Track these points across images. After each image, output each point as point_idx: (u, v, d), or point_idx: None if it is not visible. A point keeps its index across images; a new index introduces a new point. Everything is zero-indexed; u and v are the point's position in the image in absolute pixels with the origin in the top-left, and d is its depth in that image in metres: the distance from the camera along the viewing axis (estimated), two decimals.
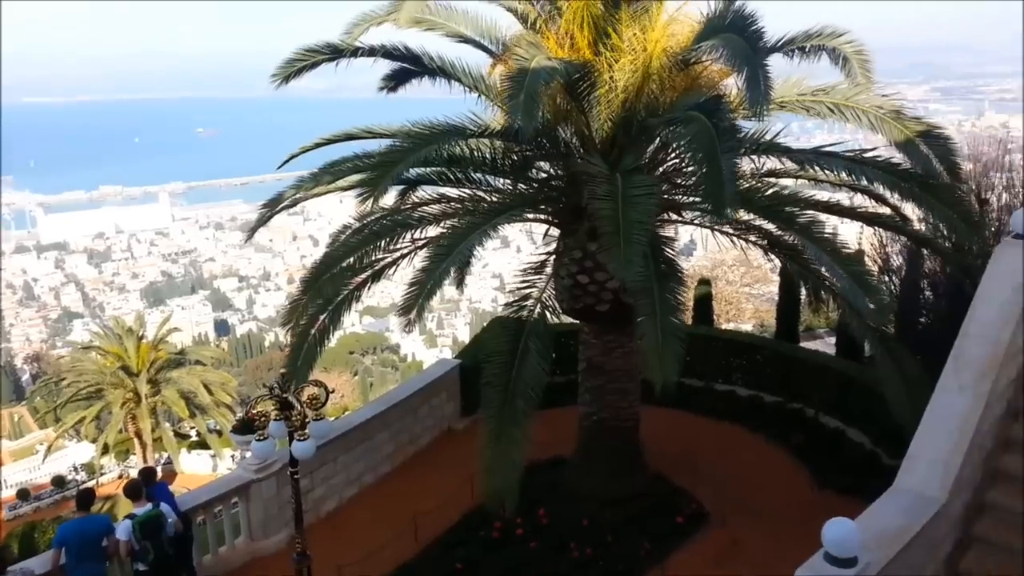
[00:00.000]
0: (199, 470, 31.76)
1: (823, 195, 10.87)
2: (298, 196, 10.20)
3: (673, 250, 9.36)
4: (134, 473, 26.19)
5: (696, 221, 10.74)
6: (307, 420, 7.75)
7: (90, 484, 28.34)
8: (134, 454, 31.52)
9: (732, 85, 9.66)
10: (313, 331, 9.66)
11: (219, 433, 32.21)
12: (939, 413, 6.79)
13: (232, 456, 31.02)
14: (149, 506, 8.11)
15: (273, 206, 10.43)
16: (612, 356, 10.55)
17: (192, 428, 34.30)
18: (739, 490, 10.97)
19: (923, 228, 12.67)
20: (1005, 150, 18.24)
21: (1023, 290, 7.35)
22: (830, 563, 5.16)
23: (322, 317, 9.66)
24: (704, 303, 17.84)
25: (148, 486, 8.54)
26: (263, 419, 7.78)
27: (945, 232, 12.39)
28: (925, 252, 14.82)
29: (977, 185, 16.04)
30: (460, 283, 13.09)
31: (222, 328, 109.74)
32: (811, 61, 10.24)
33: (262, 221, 10.71)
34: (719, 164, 7.02)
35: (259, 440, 7.87)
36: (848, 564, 5.12)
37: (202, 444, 33.10)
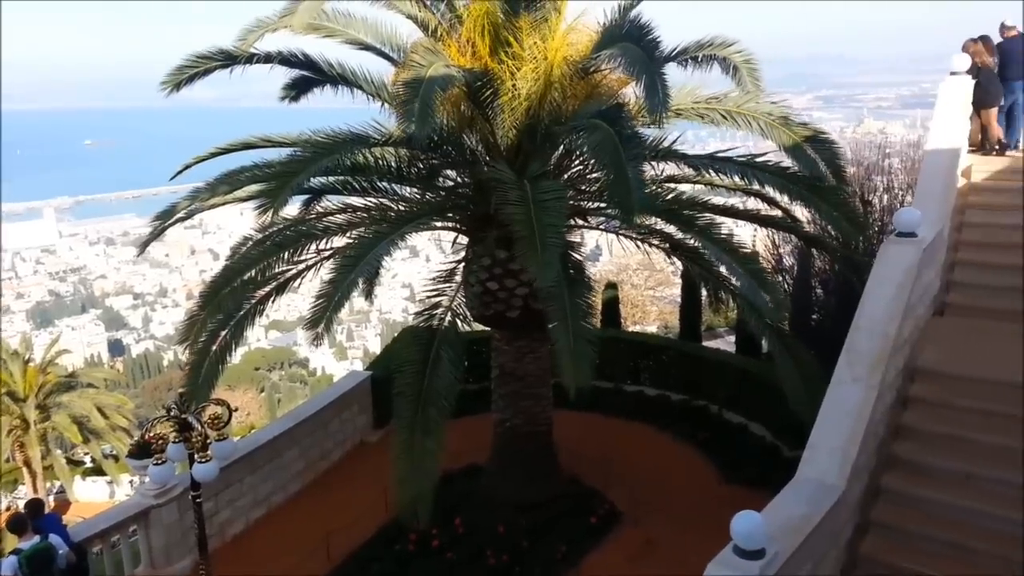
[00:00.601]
0: (95, 498, 29.98)
1: (719, 199, 11.28)
2: (193, 207, 9.80)
3: (581, 255, 9.51)
4: (24, 504, 24.55)
5: (602, 226, 10.95)
6: (209, 441, 7.44)
7: None
8: (23, 484, 29.51)
9: (630, 93, 9.92)
10: (214, 348, 9.28)
11: (115, 458, 30.54)
12: (835, 404, 7.13)
13: (130, 482, 29.48)
14: (37, 539, 7.59)
15: (166, 218, 9.98)
16: (524, 362, 10.59)
17: (86, 454, 32.42)
18: (650, 488, 11.21)
19: (812, 229, 13.32)
20: (884, 155, 19.46)
21: (906, 286, 7.83)
22: (739, 556, 5.31)
23: (223, 333, 9.29)
24: (612, 306, 18.18)
25: (35, 518, 7.99)
26: (161, 442, 7.45)
27: (832, 232, 13.08)
28: (815, 252, 15.60)
29: (860, 187, 17.01)
30: (369, 294, 12.90)
31: (116, 348, 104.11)
32: (704, 70, 10.59)
33: (155, 234, 10.24)
34: (625, 171, 7.16)
35: (157, 464, 7.54)
36: (756, 556, 5.28)
37: (98, 471, 31.30)
